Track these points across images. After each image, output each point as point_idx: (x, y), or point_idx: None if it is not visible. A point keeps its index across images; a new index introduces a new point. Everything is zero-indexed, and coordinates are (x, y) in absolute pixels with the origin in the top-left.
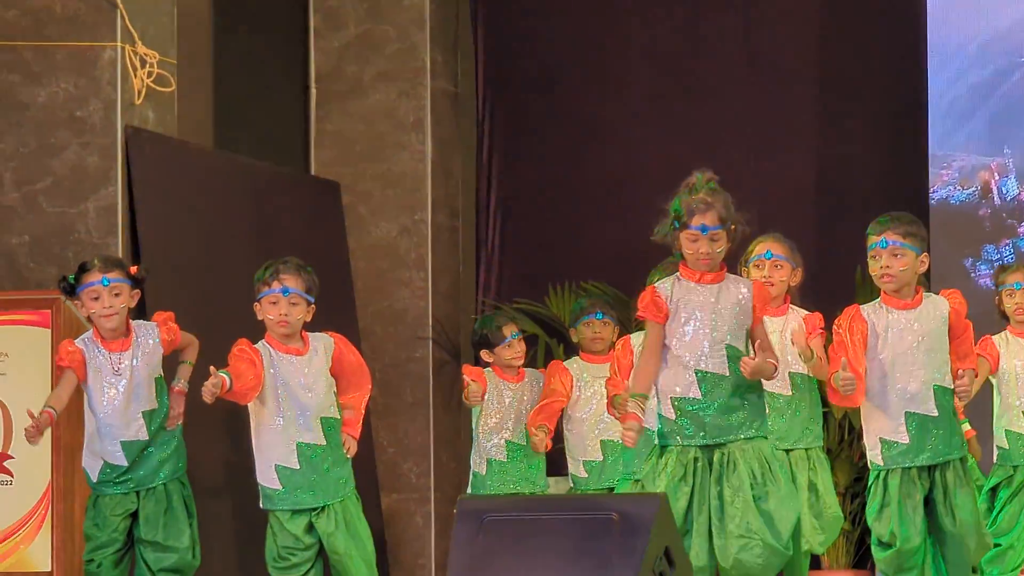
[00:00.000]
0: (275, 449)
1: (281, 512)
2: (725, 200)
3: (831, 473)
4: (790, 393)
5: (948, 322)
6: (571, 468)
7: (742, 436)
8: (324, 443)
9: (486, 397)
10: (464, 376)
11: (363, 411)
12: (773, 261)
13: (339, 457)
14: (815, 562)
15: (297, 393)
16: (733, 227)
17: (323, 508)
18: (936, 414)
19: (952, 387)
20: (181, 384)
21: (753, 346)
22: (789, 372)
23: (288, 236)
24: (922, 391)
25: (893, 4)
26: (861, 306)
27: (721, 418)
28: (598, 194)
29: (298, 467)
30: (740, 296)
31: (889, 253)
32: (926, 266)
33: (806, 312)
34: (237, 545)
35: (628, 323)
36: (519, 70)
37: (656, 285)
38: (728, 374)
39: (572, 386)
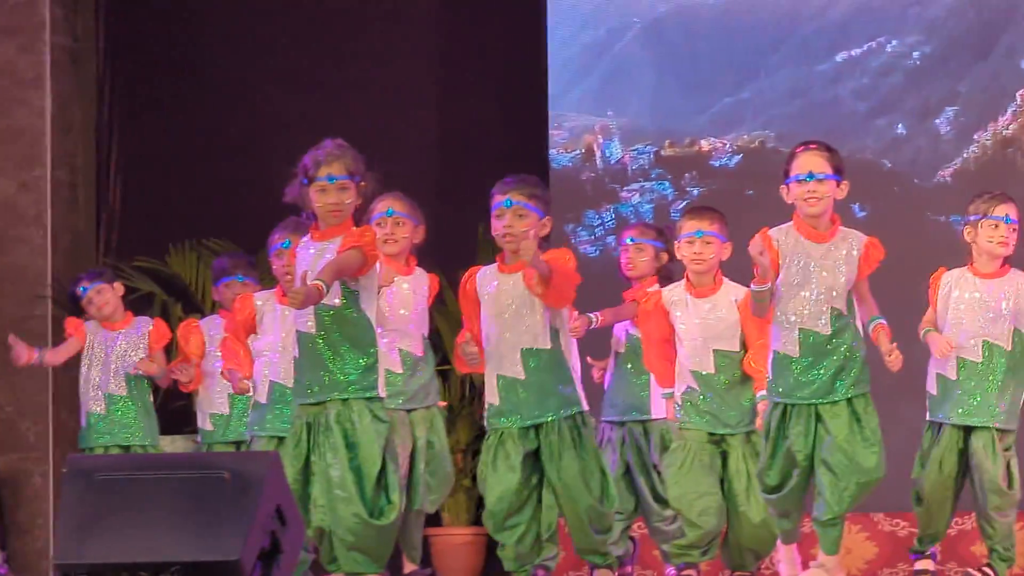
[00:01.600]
0: None
1: None
2: (353, 155)
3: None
4: (421, 354)
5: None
6: (199, 421)
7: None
8: None
9: (85, 347)
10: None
11: None
12: (394, 219)
13: None
14: (435, 519)
15: None
16: (362, 183)
17: None
18: (523, 376)
19: (547, 347)
20: None
21: None
22: (421, 335)
23: None
24: (508, 353)
25: None
26: (480, 268)
27: (318, 376)
28: (222, 153)
29: None
30: (335, 247)
31: (513, 213)
32: (547, 230)
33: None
34: None
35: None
36: (141, 26)
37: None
38: (314, 331)
39: (203, 343)
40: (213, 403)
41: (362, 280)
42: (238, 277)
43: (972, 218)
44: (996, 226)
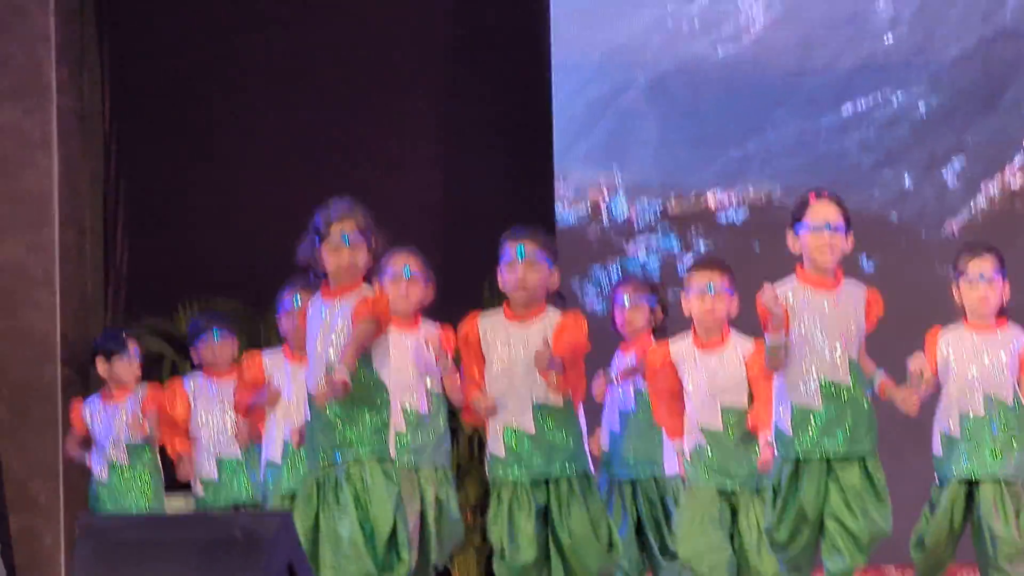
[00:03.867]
0: None
1: None
2: (363, 212)
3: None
4: (426, 411)
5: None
6: (192, 486)
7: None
8: None
9: (88, 418)
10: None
11: None
12: (412, 278)
13: None
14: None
15: None
16: (374, 240)
17: None
18: (533, 431)
19: (559, 405)
20: None
21: None
22: (426, 391)
23: None
24: (519, 405)
25: (517, 18)
26: (480, 314)
27: (329, 437)
28: (228, 212)
29: None
30: (345, 311)
31: (525, 264)
32: (556, 281)
33: (438, 327)
34: None
35: (257, 337)
36: (146, 87)
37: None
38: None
39: (188, 405)
40: (202, 467)
41: (374, 342)
42: (213, 332)
43: (955, 276)
44: (973, 285)
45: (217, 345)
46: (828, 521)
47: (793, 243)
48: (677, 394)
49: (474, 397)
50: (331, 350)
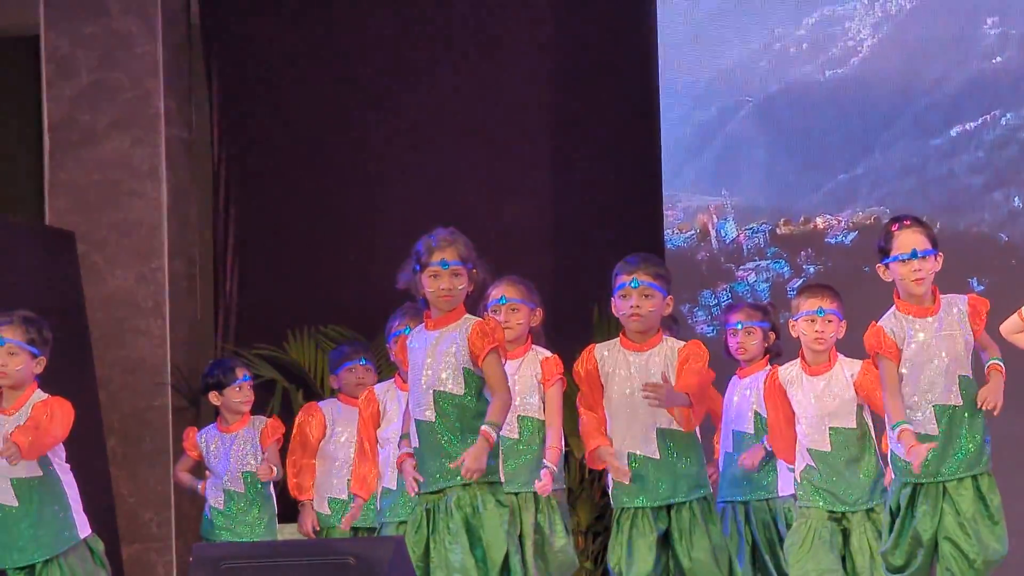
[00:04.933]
0: None
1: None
2: (465, 241)
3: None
4: (517, 436)
5: (676, 363)
6: (316, 505)
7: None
8: (16, 503)
9: (202, 448)
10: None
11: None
12: (509, 305)
13: (34, 518)
14: None
15: None
16: (474, 269)
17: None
18: (658, 456)
19: (683, 430)
20: None
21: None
22: (518, 416)
23: (22, 288)
24: (643, 432)
25: (625, 44)
26: (596, 345)
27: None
28: (336, 240)
29: None
30: (456, 337)
31: (639, 293)
32: (671, 308)
33: (548, 353)
34: None
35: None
36: (254, 115)
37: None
38: (433, 419)
39: (324, 425)
40: (332, 487)
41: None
42: (361, 361)
43: None
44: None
45: (362, 373)
46: (943, 544)
47: (885, 274)
48: (790, 419)
49: (603, 447)
50: (441, 376)
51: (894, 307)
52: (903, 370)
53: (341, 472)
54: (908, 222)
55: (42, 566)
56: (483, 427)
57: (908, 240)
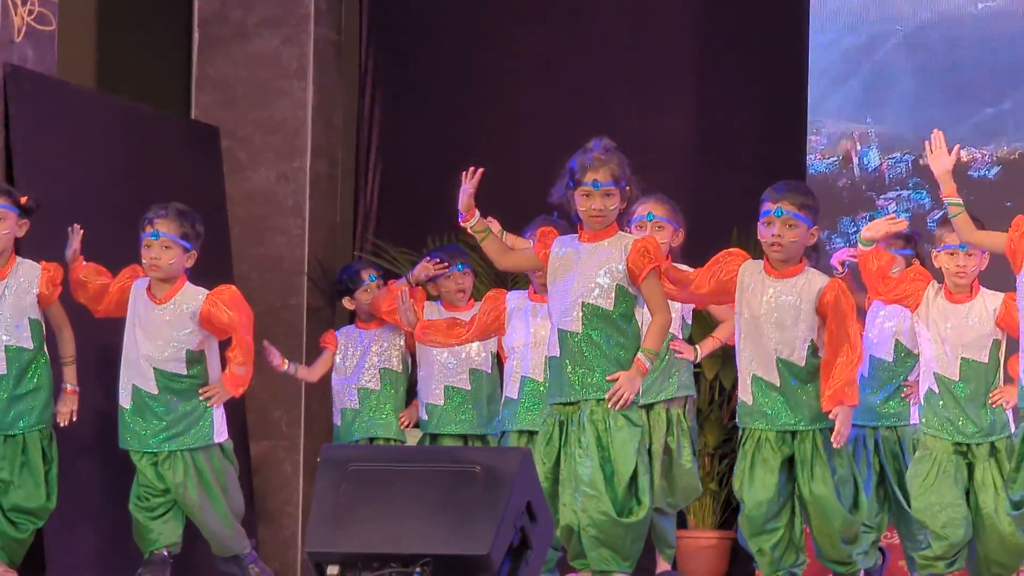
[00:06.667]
0: (121, 381)
1: (132, 452)
2: (620, 159)
3: (695, 436)
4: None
5: (817, 303)
6: (420, 411)
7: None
8: (156, 391)
9: (338, 349)
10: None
11: (242, 367)
12: (655, 223)
13: (173, 409)
14: (681, 521)
15: (139, 336)
16: (628, 188)
17: (169, 454)
18: (778, 383)
19: (801, 364)
20: (70, 386)
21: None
22: None
23: (166, 180)
24: (766, 360)
25: None
26: (749, 261)
27: (578, 376)
28: (480, 148)
29: (128, 407)
30: (612, 253)
31: (783, 223)
32: (815, 239)
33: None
34: (107, 496)
35: (504, 277)
36: (403, 20)
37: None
38: (579, 331)
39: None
40: (429, 393)
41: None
42: (458, 267)
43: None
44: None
45: (460, 278)
46: None
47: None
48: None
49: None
50: (591, 289)
51: None
52: None
53: (436, 378)
54: None
55: (166, 455)
56: (639, 355)
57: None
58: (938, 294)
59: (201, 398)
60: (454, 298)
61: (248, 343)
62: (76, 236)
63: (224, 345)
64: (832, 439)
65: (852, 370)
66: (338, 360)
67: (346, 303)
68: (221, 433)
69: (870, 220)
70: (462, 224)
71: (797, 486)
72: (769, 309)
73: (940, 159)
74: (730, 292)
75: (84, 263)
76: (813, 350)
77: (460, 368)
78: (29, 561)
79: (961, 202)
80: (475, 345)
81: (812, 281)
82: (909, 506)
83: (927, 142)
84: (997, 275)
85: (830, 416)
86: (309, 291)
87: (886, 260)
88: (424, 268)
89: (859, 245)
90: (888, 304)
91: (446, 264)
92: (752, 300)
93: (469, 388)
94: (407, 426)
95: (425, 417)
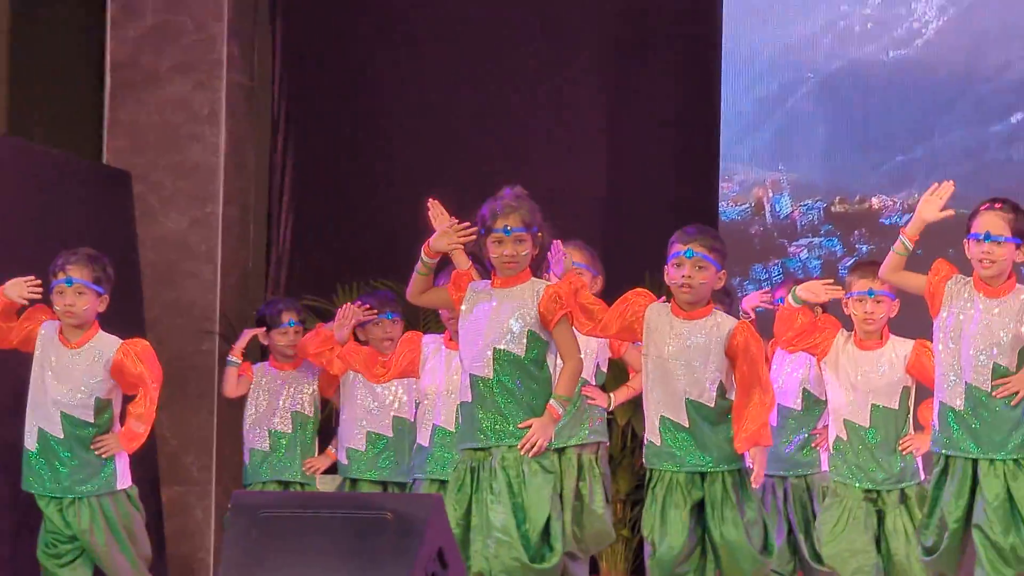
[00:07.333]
0: (27, 424)
1: (38, 496)
2: (530, 206)
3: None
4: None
5: (726, 345)
6: (338, 454)
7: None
8: (61, 436)
9: (251, 387)
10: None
11: (140, 424)
12: (575, 270)
13: (77, 455)
14: (594, 567)
15: (48, 380)
16: (540, 233)
17: (74, 500)
18: (687, 424)
19: (711, 405)
20: None
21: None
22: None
23: (78, 224)
24: (675, 401)
25: (688, 13)
26: (655, 302)
27: (489, 421)
28: (391, 194)
29: (34, 449)
30: (524, 298)
31: (692, 264)
32: (723, 283)
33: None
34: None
35: (415, 321)
36: (316, 66)
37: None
38: (490, 376)
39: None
40: (351, 438)
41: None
42: (387, 315)
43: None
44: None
45: (389, 327)
46: (975, 532)
47: (966, 250)
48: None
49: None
50: (503, 334)
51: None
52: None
53: (359, 423)
54: (999, 205)
55: (70, 502)
56: (551, 402)
57: (987, 221)
58: (848, 341)
59: (92, 446)
60: (381, 346)
61: (154, 399)
62: None
63: (127, 400)
64: (752, 480)
65: (766, 412)
66: (249, 399)
67: (260, 337)
68: (125, 479)
69: (782, 267)
70: (425, 252)
71: (707, 529)
72: (678, 350)
73: (932, 206)
74: (636, 332)
75: None
76: (722, 391)
77: (383, 414)
78: None
79: (911, 248)
80: (399, 391)
81: (721, 323)
82: (815, 556)
83: (935, 183)
84: (911, 321)
85: (747, 458)
86: (221, 338)
87: (808, 319)
88: (352, 311)
89: (788, 300)
90: (793, 352)
91: (375, 311)
92: (660, 341)
93: (391, 435)
94: (314, 472)
95: (345, 462)
